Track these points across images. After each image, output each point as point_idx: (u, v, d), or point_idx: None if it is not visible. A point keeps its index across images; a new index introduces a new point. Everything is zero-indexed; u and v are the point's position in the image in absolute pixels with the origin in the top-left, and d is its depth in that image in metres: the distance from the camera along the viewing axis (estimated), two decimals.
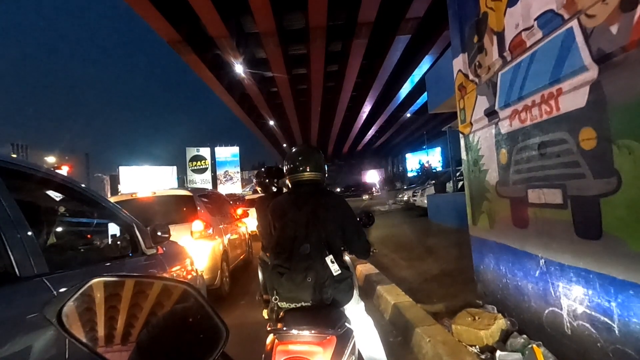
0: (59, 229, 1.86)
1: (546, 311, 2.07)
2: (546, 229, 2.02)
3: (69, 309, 0.70)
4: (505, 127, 2.35)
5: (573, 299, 1.83)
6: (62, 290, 1.15)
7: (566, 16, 1.67)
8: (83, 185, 1.80)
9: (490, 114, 2.52)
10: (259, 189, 3.15)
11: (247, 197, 11.84)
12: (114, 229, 2.09)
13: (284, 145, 40.48)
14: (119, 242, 1.96)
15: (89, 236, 2.19)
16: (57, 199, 2.01)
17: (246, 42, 17.23)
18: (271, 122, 30.44)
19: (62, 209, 2.00)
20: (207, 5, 12.78)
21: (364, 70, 21.00)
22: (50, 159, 25.59)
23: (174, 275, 2.29)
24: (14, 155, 1.56)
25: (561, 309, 1.93)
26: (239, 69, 18.07)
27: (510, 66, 2.20)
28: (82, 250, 1.89)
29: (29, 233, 1.17)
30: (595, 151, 1.59)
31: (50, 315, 0.69)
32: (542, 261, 2.08)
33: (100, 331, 0.72)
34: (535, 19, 1.88)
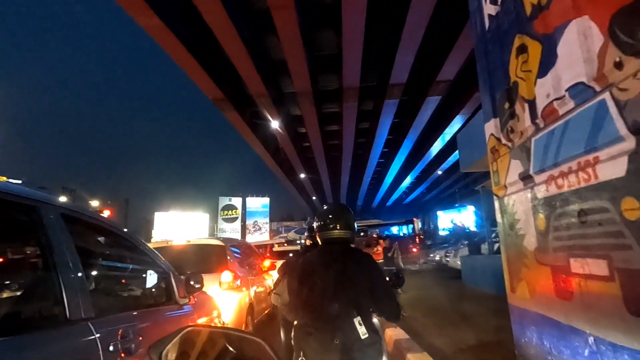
0: (102, 273, 1.96)
1: None
2: (593, 302, 1.88)
3: (168, 352, 0.80)
4: (541, 192, 2.31)
5: None
6: (103, 334, 1.21)
7: (597, 89, 1.71)
8: (126, 230, 1.93)
9: (525, 178, 2.49)
10: (308, 242, 3.27)
11: (275, 249, 11.78)
12: (150, 275, 2.17)
13: (314, 198, 40.85)
14: (153, 290, 2.02)
15: (123, 281, 2.28)
16: (102, 244, 2.14)
17: (283, 101, 18.37)
18: (302, 175, 31.15)
19: (106, 254, 2.13)
20: (250, 67, 13.97)
21: (395, 128, 21.49)
22: (95, 203, 27.15)
23: None
24: (64, 199, 1.71)
25: None
26: (274, 124, 19.11)
27: (544, 133, 2.22)
28: (120, 296, 1.97)
29: (82, 277, 1.26)
30: None
31: (155, 356, 0.79)
32: (590, 339, 1.91)
33: None
34: (566, 90, 1.94)
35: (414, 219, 19.90)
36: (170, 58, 13.58)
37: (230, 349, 0.80)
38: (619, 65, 1.56)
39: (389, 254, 9.95)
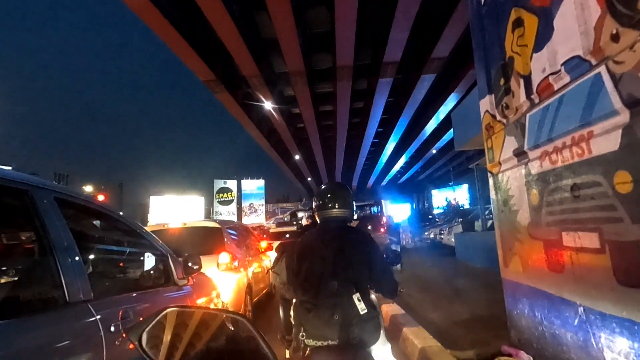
0: (99, 257, 1.96)
1: None
2: (584, 274, 1.93)
3: (148, 333, 0.81)
4: (535, 167, 2.33)
5: (617, 352, 1.71)
6: (103, 315, 1.22)
7: (593, 62, 1.70)
8: (121, 213, 1.92)
9: (520, 154, 2.51)
10: (308, 221, 3.30)
11: (271, 230, 11.88)
12: (148, 257, 2.18)
13: (309, 179, 40.87)
14: (152, 272, 2.03)
15: (121, 264, 2.30)
16: (98, 227, 2.14)
17: (275, 81, 18.05)
18: (297, 157, 31.03)
19: (102, 237, 2.13)
20: (241, 47, 13.65)
21: (390, 107, 21.33)
22: (88, 188, 26.96)
23: None
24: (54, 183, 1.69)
25: None
26: (268, 106, 18.87)
27: (539, 108, 2.22)
28: (119, 278, 1.98)
29: (79, 260, 1.26)
30: (632, 195, 1.55)
31: (133, 338, 0.80)
32: (580, 309, 1.97)
33: (170, 353, 0.80)
34: (562, 64, 1.92)
35: (382, 200, 20.62)
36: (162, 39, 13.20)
37: (231, 327, 0.82)
38: (615, 38, 1.55)
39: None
